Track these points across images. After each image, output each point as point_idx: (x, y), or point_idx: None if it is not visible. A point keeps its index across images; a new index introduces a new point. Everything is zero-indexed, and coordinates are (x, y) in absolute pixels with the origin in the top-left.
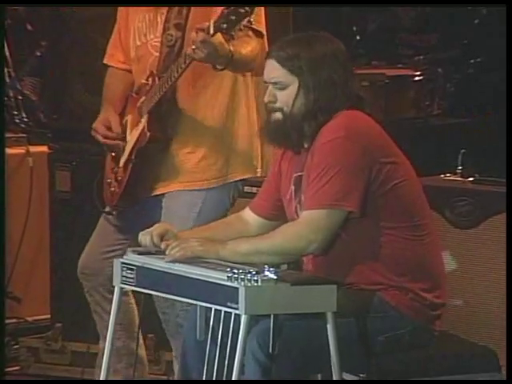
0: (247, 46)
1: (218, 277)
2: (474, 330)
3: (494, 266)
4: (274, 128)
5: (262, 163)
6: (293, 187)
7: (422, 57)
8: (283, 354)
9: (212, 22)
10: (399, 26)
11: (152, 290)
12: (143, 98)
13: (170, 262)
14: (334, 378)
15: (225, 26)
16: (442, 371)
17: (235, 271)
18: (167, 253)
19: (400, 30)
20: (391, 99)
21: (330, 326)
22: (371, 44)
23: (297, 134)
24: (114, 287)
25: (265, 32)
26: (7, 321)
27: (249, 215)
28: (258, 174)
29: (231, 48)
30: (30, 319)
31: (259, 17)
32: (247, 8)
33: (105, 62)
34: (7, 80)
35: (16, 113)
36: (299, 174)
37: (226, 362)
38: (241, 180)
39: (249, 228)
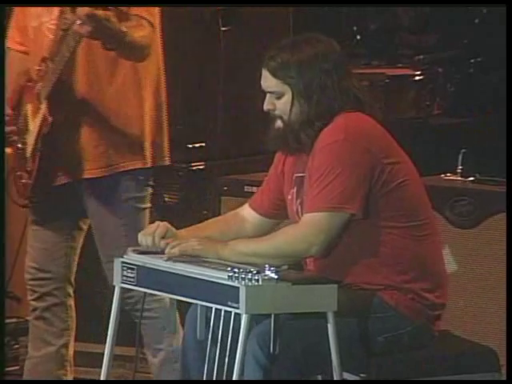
0: (140, 32)
1: (219, 276)
2: (474, 330)
3: (494, 265)
4: (275, 135)
5: (152, 153)
6: (295, 188)
7: (422, 56)
8: (283, 354)
9: None
10: (399, 26)
11: (153, 289)
12: (40, 83)
13: (169, 260)
14: (335, 378)
15: None
16: (442, 371)
17: (236, 270)
18: (166, 251)
19: (400, 29)
20: (391, 99)
21: (330, 326)
22: (371, 44)
23: (295, 142)
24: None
25: (157, 24)
26: (7, 320)
27: (247, 212)
28: (149, 165)
29: (124, 29)
30: (30, 319)
31: (151, 8)
32: None
33: (7, 45)
34: None
35: None
36: (300, 174)
37: (227, 362)
38: (143, 170)
39: (246, 225)
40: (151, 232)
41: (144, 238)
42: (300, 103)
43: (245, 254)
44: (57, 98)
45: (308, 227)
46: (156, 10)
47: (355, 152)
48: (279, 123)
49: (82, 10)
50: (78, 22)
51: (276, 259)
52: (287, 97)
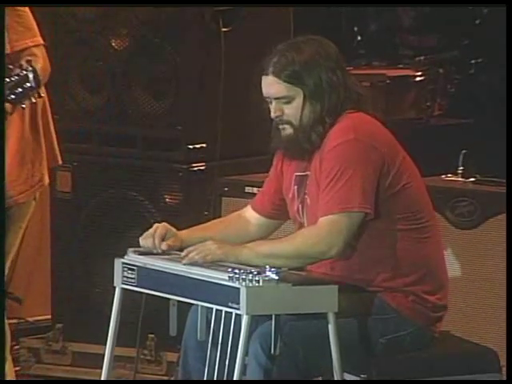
0: (36, 66)
1: (220, 277)
2: (475, 331)
3: (494, 266)
4: (287, 143)
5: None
6: (295, 187)
7: (422, 57)
8: (285, 355)
9: None
10: (400, 27)
11: (153, 290)
12: None
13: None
14: (336, 379)
15: (12, 97)
16: (442, 372)
17: (236, 271)
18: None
19: (401, 30)
20: (392, 100)
21: (331, 327)
22: (372, 44)
23: (307, 142)
24: None
25: (42, 40)
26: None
27: (250, 214)
28: (46, 183)
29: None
30: (30, 320)
31: (33, 27)
32: (33, 83)
33: None
34: None
35: None
36: (301, 173)
37: (227, 363)
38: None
39: (249, 227)
40: (151, 234)
41: (144, 241)
42: (312, 104)
43: (264, 256)
44: None
45: (327, 229)
46: (35, 25)
47: (365, 151)
48: (289, 130)
49: None
50: None
51: (296, 260)
52: (298, 100)
